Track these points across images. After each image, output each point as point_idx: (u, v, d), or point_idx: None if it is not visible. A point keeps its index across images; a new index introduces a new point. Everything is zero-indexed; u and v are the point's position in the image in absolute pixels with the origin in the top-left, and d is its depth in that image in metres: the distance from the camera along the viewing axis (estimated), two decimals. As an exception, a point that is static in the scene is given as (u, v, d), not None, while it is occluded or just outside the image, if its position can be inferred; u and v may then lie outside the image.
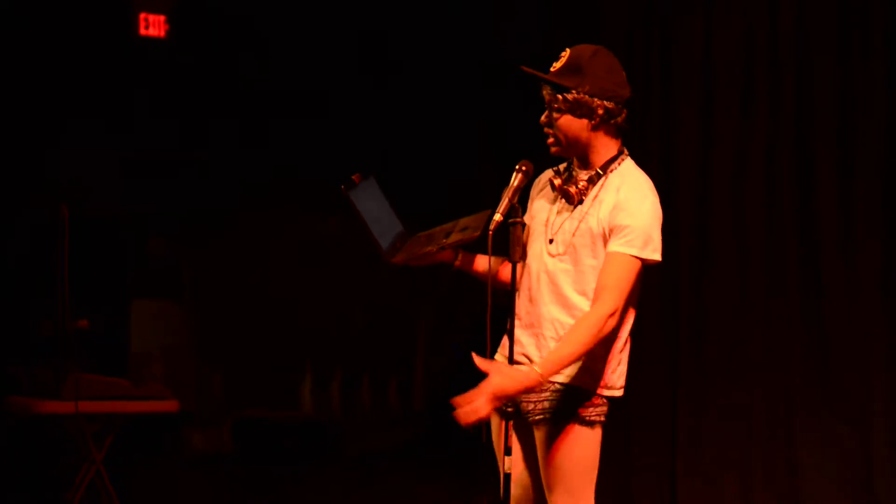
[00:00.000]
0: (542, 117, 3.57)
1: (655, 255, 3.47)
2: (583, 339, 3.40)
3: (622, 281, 3.42)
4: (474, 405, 3.29)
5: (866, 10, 5.77)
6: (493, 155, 7.01)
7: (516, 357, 3.54)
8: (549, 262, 3.55)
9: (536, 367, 3.38)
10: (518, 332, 3.56)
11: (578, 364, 3.50)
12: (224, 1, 7.25)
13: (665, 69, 6.14)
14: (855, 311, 5.76)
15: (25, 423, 5.72)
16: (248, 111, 7.30)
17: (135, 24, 7.05)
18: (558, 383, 3.52)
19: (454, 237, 3.57)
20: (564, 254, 3.52)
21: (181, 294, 7.61)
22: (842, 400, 5.75)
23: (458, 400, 3.31)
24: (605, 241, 3.47)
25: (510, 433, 3.41)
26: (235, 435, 7.59)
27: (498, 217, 3.42)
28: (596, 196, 3.51)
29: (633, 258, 3.43)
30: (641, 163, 3.64)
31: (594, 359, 3.51)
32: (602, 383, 3.54)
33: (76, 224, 5.55)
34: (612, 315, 3.40)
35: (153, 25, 7.09)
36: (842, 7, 5.82)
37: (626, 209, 3.45)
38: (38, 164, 6.91)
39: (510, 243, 3.47)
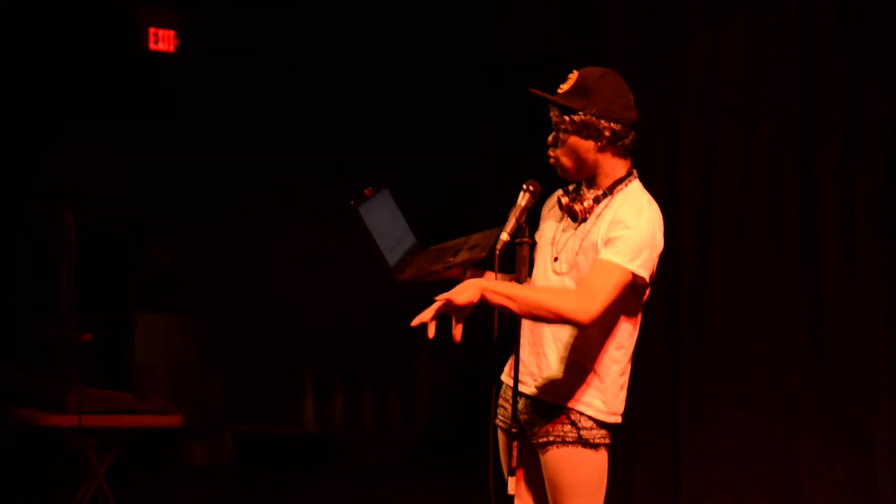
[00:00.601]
0: (549, 138, 3.58)
1: (641, 270, 3.41)
2: (544, 300, 3.33)
3: (602, 283, 3.35)
4: (424, 312, 3.30)
5: (868, 10, 5.77)
6: (493, 155, 7.01)
7: (521, 377, 3.54)
8: (554, 280, 3.54)
9: (485, 281, 3.34)
10: (522, 352, 3.54)
11: (582, 387, 3.49)
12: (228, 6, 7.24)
13: (665, 69, 6.13)
14: (856, 311, 5.76)
15: (28, 436, 5.69)
16: (248, 111, 7.29)
17: (144, 40, 7.02)
18: (560, 406, 3.52)
19: (462, 255, 3.57)
20: (567, 273, 3.52)
21: (184, 302, 7.58)
22: (843, 401, 5.75)
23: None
24: None
25: (514, 454, 3.40)
26: (236, 447, 7.57)
27: (505, 237, 3.40)
28: (599, 214, 3.51)
29: (618, 266, 3.38)
30: (643, 164, 3.64)
31: (598, 381, 3.51)
32: (604, 408, 3.53)
33: (79, 231, 5.52)
34: (586, 304, 3.32)
35: (162, 40, 7.05)
36: (844, 7, 5.81)
37: (622, 222, 3.44)
38: (39, 164, 6.89)
39: (517, 263, 3.45)
